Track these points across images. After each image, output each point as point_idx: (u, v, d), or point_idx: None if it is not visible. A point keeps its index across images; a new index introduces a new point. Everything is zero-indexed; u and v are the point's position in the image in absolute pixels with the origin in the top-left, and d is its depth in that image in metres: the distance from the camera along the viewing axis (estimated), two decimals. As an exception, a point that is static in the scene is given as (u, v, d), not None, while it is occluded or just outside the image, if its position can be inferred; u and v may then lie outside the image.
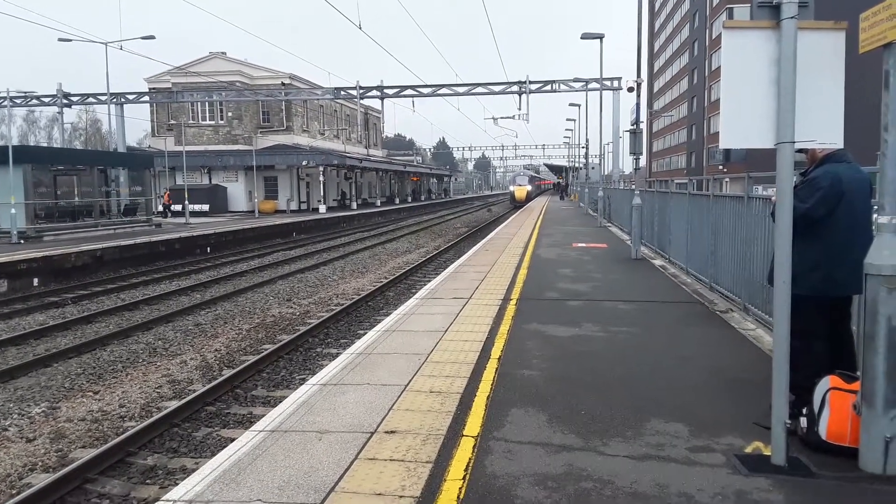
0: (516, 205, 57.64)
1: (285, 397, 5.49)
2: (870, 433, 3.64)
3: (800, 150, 4.11)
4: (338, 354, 7.52)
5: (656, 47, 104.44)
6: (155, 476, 5.78)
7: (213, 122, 50.82)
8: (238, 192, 46.58)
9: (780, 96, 3.67)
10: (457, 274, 12.30)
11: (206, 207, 42.14)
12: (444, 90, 38.28)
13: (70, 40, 30.36)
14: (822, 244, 4.30)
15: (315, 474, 3.79)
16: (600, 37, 25.75)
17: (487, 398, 5.07)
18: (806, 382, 4.11)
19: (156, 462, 6.02)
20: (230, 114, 50.61)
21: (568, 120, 59.83)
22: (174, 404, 7.32)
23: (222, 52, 52.51)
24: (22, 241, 21.23)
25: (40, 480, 5.56)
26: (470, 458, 3.96)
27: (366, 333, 7.64)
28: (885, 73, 3.53)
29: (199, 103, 49.50)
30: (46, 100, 40.54)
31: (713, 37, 71.01)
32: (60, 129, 47.97)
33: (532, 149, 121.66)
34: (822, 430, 3.92)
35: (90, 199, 27.70)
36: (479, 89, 38.20)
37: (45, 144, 72.87)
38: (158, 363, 9.49)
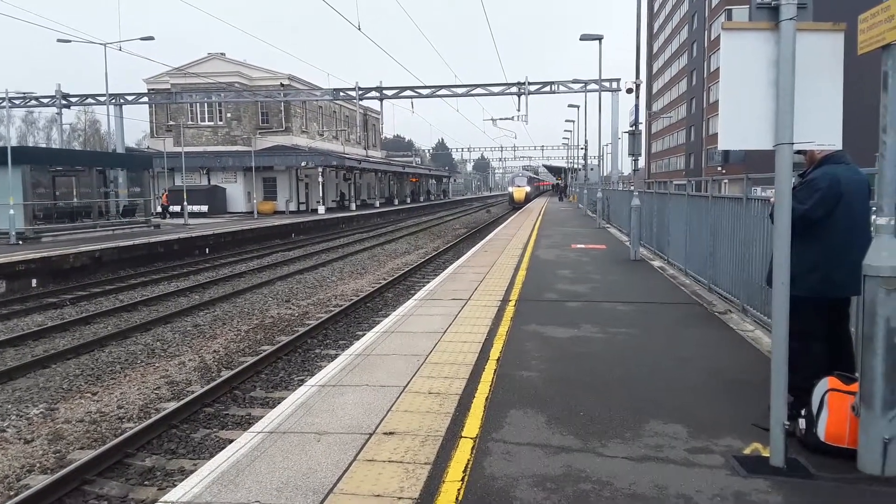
0: (515, 206, 57.66)
1: (284, 398, 5.48)
2: (868, 434, 3.64)
3: (798, 152, 4.11)
4: (336, 356, 7.51)
5: (655, 48, 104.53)
6: (153, 477, 5.77)
7: (211, 123, 50.82)
8: (237, 192, 46.58)
9: (779, 98, 3.67)
10: (456, 275, 12.30)
11: (204, 208, 42.11)
12: (443, 91, 38.29)
13: (69, 41, 30.36)
14: (820, 245, 4.30)
15: (314, 476, 3.79)
16: (599, 38, 25.79)
17: (486, 399, 5.07)
18: (804, 384, 4.11)
19: (154, 463, 6.01)
20: (229, 115, 50.61)
21: (567, 121, 59.95)
22: (172, 405, 7.31)
23: (221, 53, 52.52)
24: (20, 242, 21.20)
25: (38, 482, 5.55)
26: (468, 460, 3.96)
27: (365, 334, 7.64)
28: (883, 74, 3.53)
29: (197, 104, 49.49)
30: (45, 101, 40.48)
31: (712, 38, 71.07)
32: (59, 130, 47.93)
33: (531, 150, 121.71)
34: (821, 431, 3.92)
35: (89, 199, 27.68)
36: (478, 90, 38.23)
37: (44, 145, 72.80)
38: (157, 364, 9.48)
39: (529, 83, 37.26)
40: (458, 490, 3.57)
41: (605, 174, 50.52)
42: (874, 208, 3.85)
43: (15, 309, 13.64)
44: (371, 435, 4.39)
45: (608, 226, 25.37)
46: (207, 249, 24.88)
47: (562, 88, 37.49)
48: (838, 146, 3.88)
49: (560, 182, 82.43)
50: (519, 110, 39.20)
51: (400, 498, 3.50)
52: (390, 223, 44.07)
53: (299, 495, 3.55)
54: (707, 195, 9.95)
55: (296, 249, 26.48)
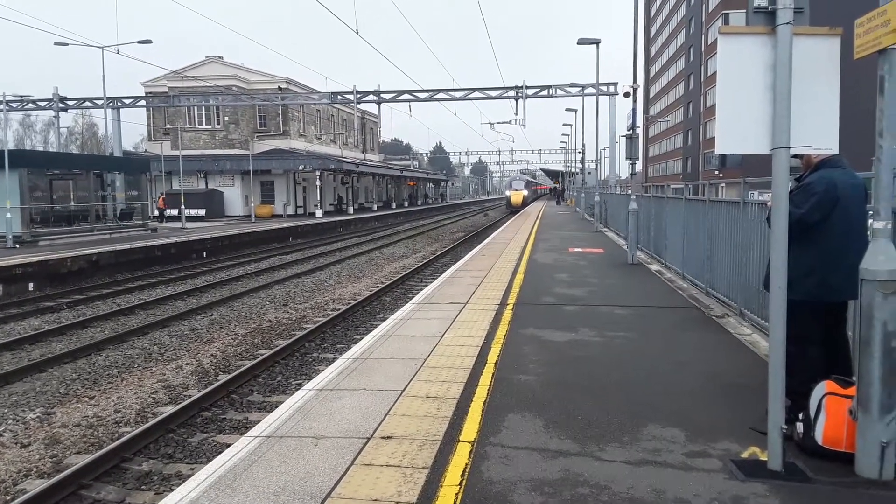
0: (512, 210, 57.65)
1: (281, 402, 5.48)
2: (866, 438, 3.64)
3: (795, 156, 4.12)
4: (334, 359, 7.50)
5: (652, 52, 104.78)
6: (150, 482, 5.76)
7: (209, 127, 50.80)
8: (234, 196, 46.53)
9: (776, 102, 3.69)
10: (453, 279, 12.30)
11: (202, 212, 42.04)
12: (441, 95, 38.31)
13: (66, 44, 30.32)
14: (817, 249, 4.31)
15: (311, 480, 3.78)
16: (596, 42, 25.85)
17: (484, 403, 5.06)
18: (801, 388, 4.11)
19: (151, 468, 6.00)
20: (227, 118, 50.59)
21: (564, 125, 59.81)
22: (170, 410, 7.30)
23: (219, 57, 52.53)
24: (17, 246, 21.16)
25: (35, 486, 5.54)
26: (466, 464, 3.96)
27: (362, 338, 7.63)
28: (879, 78, 3.55)
29: (195, 107, 49.46)
30: (42, 104, 40.41)
31: (709, 42, 71.28)
32: (57, 134, 47.79)
33: (529, 153, 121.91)
34: (819, 435, 3.92)
35: (86, 203, 27.67)
36: (476, 94, 38.24)
37: (42, 149, 72.73)
38: (154, 368, 9.46)
39: (527, 87, 37.31)
40: (456, 494, 3.57)
41: (602, 178, 50.55)
42: (871, 212, 3.86)
43: (12, 313, 13.61)
44: (369, 439, 4.38)
45: (606, 229, 25.39)
46: (205, 253, 24.86)
47: (559, 92, 37.55)
48: (835, 150, 3.89)
49: (558, 186, 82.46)
50: (517, 114, 39.19)
51: (398, 502, 3.49)
52: (388, 227, 44.06)
53: (297, 500, 3.54)
54: (704, 199, 9.96)
55: (293, 253, 26.45)
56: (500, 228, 29.04)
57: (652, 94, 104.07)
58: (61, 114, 41.18)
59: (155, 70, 45.14)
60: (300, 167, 46.11)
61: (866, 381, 3.63)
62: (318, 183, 46.59)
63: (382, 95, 38.87)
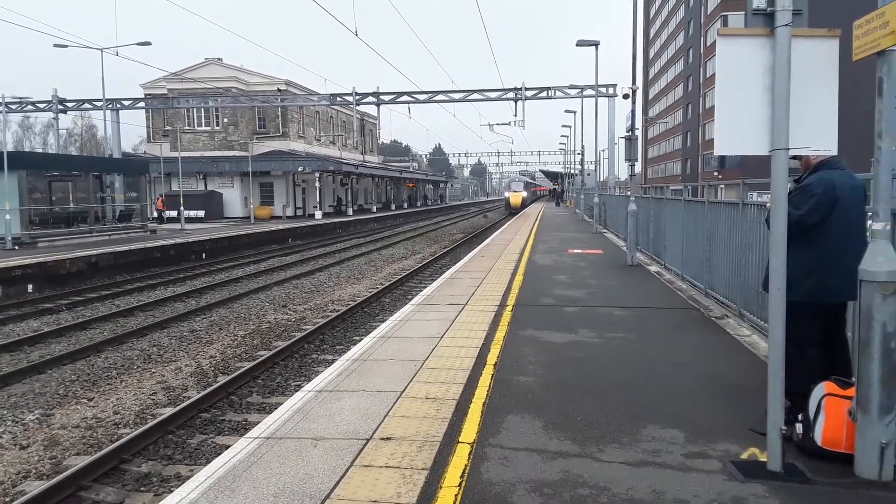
0: (511, 211, 57.60)
1: (280, 404, 5.48)
2: (865, 439, 3.64)
3: (794, 157, 4.12)
4: (333, 361, 7.50)
5: (651, 54, 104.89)
6: (149, 483, 5.75)
7: (208, 128, 50.80)
8: (234, 198, 46.53)
9: (775, 103, 3.69)
10: (453, 280, 12.30)
11: (201, 213, 42.05)
12: (440, 96, 38.34)
13: (66, 46, 30.32)
14: (815, 251, 4.32)
15: (310, 481, 3.78)
16: (595, 44, 25.83)
17: (483, 404, 5.06)
18: (800, 389, 4.12)
19: (150, 469, 5.99)
20: (226, 120, 50.59)
21: (564, 126, 59.80)
22: (169, 411, 7.29)
23: (218, 58, 52.55)
24: (16, 247, 21.15)
25: (34, 488, 5.53)
26: (466, 465, 3.96)
27: (361, 339, 7.63)
28: (878, 80, 3.55)
29: (194, 109, 49.48)
30: (42, 106, 40.44)
31: (708, 44, 71.33)
32: (56, 135, 47.81)
33: (528, 155, 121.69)
34: (818, 436, 3.92)
35: (85, 205, 27.66)
36: (475, 96, 38.28)
37: (41, 150, 72.69)
38: (153, 370, 9.46)
39: (526, 88, 37.35)
40: (456, 496, 3.57)
41: (601, 179, 50.57)
42: (870, 213, 3.86)
43: (11, 314, 13.60)
44: (368, 440, 4.38)
45: (605, 231, 25.40)
46: (204, 254, 24.85)
47: (558, 94, 37.60)
48: (834, 152, 3.89)
49: (557, 187, 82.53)
50: (516, 115, 39.24)
51: (397, 503, 3.49)
52: (387, 228, 44.07)
53: (296, 501, 3.54)
54: (703, 200, 9.96)
55: (293, 254, 26.45)
56: (500, 230, 29.04)
57: (651, 96, 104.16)
58: (60, 115, 41.24)
59: (154, 72, 45.26)
60: (299, 169, 46.12)
61: (865, 382, 3.64)
62: (317, 184, 46.59)
63: (381, 97, 38.93)
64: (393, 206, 69.40)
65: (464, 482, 3.73)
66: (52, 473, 5.96)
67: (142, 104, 44.06)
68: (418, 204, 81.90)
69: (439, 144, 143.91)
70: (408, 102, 38.95)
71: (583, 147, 50.22)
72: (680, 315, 8.68)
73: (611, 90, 35.79)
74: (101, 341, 10.91)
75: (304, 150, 53.35)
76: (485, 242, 21.74)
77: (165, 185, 41.86)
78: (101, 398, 8.20)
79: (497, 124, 53.38)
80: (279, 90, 50.08)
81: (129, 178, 31.68)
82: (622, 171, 35.60)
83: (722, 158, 62.15)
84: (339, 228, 40.06)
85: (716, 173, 66.12)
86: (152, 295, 16.30)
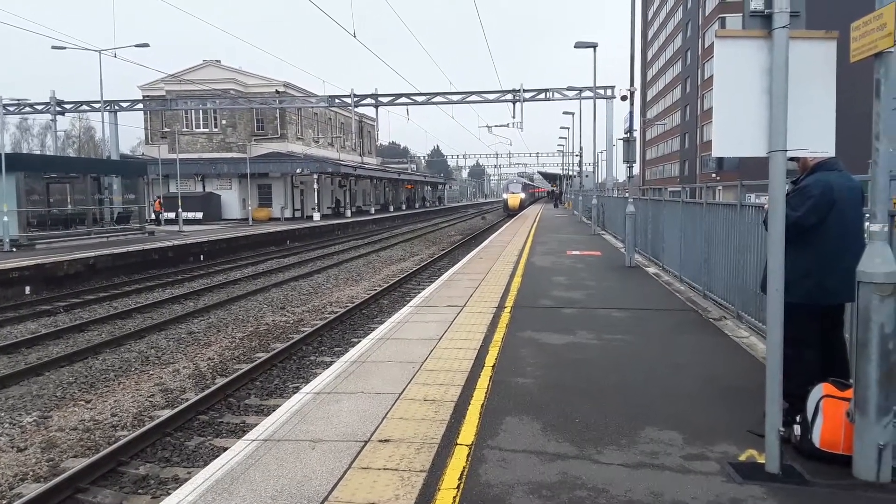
0: (510, 213, 57.51)
1: (279, 406, 5.47)
2: (863, 441, 3.65)
3: (792, 159, 4.13)
4: (331, 363, 7.50)
5: (649, 56, 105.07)
6: (147, 486, 5.74)
7: (207, 130, 50.80)
8: (232, 199, 46.50)
9: (773, 105, 3.69)
10: (451, 282, 12.30)
11: (199, 215, 42.02)
12: (438, 98, 38.37)
13: (64, 48, 30.31)
14: (813, 252, 4.32)
15: (308, 484, 3.77)
16: (594, 46, 25.89)
17: (482, 406, 5.06)
18: (798, 390, 4.12)
19: (148, 471, 5.98)
20: (224, 121, 50.59)
21: (562, 128, 59.86)
22: (166, 413, 7.28)
23: (216, 60, 52.58)
24: (14, 249, 21.13)
25: (31, 490, 5.52)
26: (464, 467, 3.95)
27: (360, 341, 7.63)
28: (875, 82, 3.56)
29: (192, 111, 49.49)
30: (40, 107, 40.42)
31: (706, 46, 71.48)
32: (54, 137, 47.79)
33: (526, 156, 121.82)
34: (816, 437, 3.92)
35: (83, 206, 27.63)
36: (474, 97, 38.30)
37: (38, 152, 72.63)
38: (151, 372, 9.44)
39: (524, 90, 37.38)
40: (454, 498, 3.56)
41: (599, 181, 50.61)
42: (867, 215, 3.87)
43: (8, 316, 13.58)
44: (366, 442, 4.37)
45: (603, 232, 25.41)
46: (202, 256, 24.83)
47: (556, 96, 37.63)
48: (831, 153, 3.90)
49: (555, 189, 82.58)
50: (514, 117, 39.33)
51: (395, 506, 3.49)
52: (385, 230, 44.07)
53: (294, 503, 3.54)
54: (702, 202, 9.97)
55: (291, 256, 26.43)
56: (498, 231, 29.05)
57: (649, 98, 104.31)
58: (58, 117, 41.21)
59: (152, 73, 45.17)
60: (298, 170, 46.10)
61: (863, 384, 3.64)
62: (315, 186, 46.58)
63: (380, 98, 38.95)
64: (391, 208, 69.39)
65: (462, 484, 3.73)
66: (50, 476, 5.94)
67: (140, 106, 44.02)
68: (417, 205, 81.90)
69: (437, 146, 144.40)
70: (406, 104, 38.98)
71: (581, 148, 50.21)
72: (678, 317, 8.68)
73: (609, 92, 35.82)
74: (99, 343, 10.89)
75: (303, 152, 53.36)
76: (483, 244, 21.74)
77: (164, 187, 41.85)
78: (99, 400, 8.19)
79: (495, 126, 53.61)
80: (277, 92, 50.08)
81: (128, 179, 31.67)
82: (620, 173, 35.64)
83: (720, 160, 62.14)
84: (338, 230, 40.06)
85: (714, 175, 66.21)
86: (150, 297, 16.28)
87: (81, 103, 40.81)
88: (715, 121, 3.87)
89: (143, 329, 12.00)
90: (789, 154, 3.75)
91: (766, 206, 4.14)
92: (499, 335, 7.53)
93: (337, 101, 40.63)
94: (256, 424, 4.96)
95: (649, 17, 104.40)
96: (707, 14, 72.56)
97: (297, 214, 49.07)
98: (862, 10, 3.69)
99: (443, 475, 3.85)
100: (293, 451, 4.26)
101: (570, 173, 68.27)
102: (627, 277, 12.76)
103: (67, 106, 40.74)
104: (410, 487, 3.69)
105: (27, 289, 16.36)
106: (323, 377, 6.01)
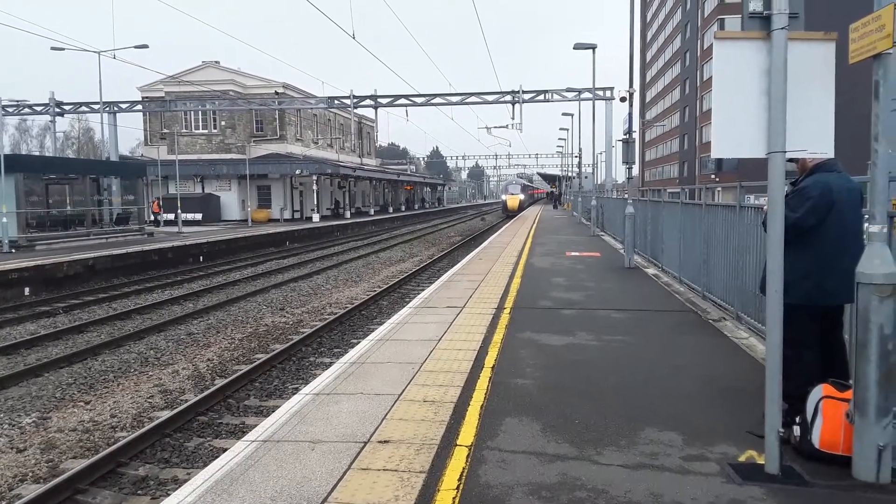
0: (509, 214, 57.44)
1: (278, 407, 5.46)
2: (862, 441, 3.65)
3: (791, 160, 4.13)
4: (331, 364, 7.50)
5: (648, 57, 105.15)
6: (146, 487, 5.74)
7: (206, 131, 50.78)
8: (231, 200, 46.48)
9: (772, 106, 3.70)
10: (450, 283, 12.30)
11: (198, 216, 42.01)
12: (437, 99, 38.33)
13: (63, 49, 30.29)
14: (812, 253, 4.32)
15: (308, 485, 3.77)
16: (593, 47, 25.90)
17: (481, 407, 5.06)
18: (797, 391, 4.12)
19: (147, 473, 5.98)
20: (223, 123, 50.58)
21: (561, 129, 59.84)
22: (166, 414, 7.27)
23: (216, 62, 52.55)
24: (13, 251, 21.12)
25: (30, 491, 5.51)
26: (464, 468, 3.95)
27: (359, 342, 7.63)
28: (874, 83, 3.57)
29: (192, 112, 49.46)
30: (39, 108, 40.37)
31: (705, 47, 71.56)
32: (53, 138, 47.71)
33: (525, 158, 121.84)
34: (816, 438, 3.93)
35: (82, 207, 27.63)
36: (473, 98, 38.27)
37: (38, 153, 72.61)
38: (150, 373, 9.44)
39: (524, 91, 37.36)
40: (454, 499, 3.56)
41: (599, 182, 50.61)
42: (866, 216, 3.87)
43: (7, 317, 13.57)
44: (366, 443, 4.37)
45: (602, 234, 25.42)
46: (201, 257, 24.81)
47: (556, 97, 37.61)
48: (830, 154, 3.91)
49: (554, 190, 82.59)
50: (513, 118, 39.44)
51: (395, 507, 3.49)
52: (385, 231, 44.06)
53: (294, 504, 3.54)
54: (701, 203, 9.98)
55: (290, 257, 26.43)
56: (497, 232, 29.06)
57: (648, 99, 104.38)
58: (58, 118, 41.12)
59: (151, 75, 45.25)
60: (297, 171, 46.10)
61: (863, 385, 3.65)
62: (314, 187, 46.57)
63: (379, 100, 38.92)
64: (390, 209, 69.39)
65: (462, 485, 3.73)
66: (49, 477, 5.94)
67: (139, 107, 43.96)
68: (416, 207, 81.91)
69: (437, 147, 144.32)
70: (405, 105, 38.93)
71: (580, 150, 50.24)
72: (677, 318, 8.68)
73: (608, 93, 35.79)
74: (98, 344, 10.88)
75: (302, 153, 53.35)
76: (482, 245, 21.75)
77: (163, 188, 41.85)
78: (98, 401, 8.18)
79: (494, 127, 53.54)
80: (277, 93, 50.11)
81: (127, 181, 31.71)
82: (620, 174, 35.65)
83: (719, 161, 62.15)
84: (337, 231, 40.05)
85: (713, 176, 66.24)
86: (149, 298, 16.28)
87: (80, 104, 40.75)
88: (714, 122, 3.87)
89: (143, 330, 11.99)
90: (788, 155, 3.75)
91: (765, 208, 4.15)
92: (498, 336, 7.53)
93: (336, 102, 40.58)
94: (256, 425, 4.96)
95: (648, 19, 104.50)
96: (706, 15, 72.64)
97: (297, 216, 49.07)
98: (861, 11, 3.70)
99: (442, 476, 3.85)
100: (293, 452, 4.26)
101: (570, 174, 68.30)
102: (627, 278, 12.77)
103: (66, 107, 40.67)
104: (410, 488, 3.69)
105: (26, 290, 16.35)
106: (322, 378, 6.01)
